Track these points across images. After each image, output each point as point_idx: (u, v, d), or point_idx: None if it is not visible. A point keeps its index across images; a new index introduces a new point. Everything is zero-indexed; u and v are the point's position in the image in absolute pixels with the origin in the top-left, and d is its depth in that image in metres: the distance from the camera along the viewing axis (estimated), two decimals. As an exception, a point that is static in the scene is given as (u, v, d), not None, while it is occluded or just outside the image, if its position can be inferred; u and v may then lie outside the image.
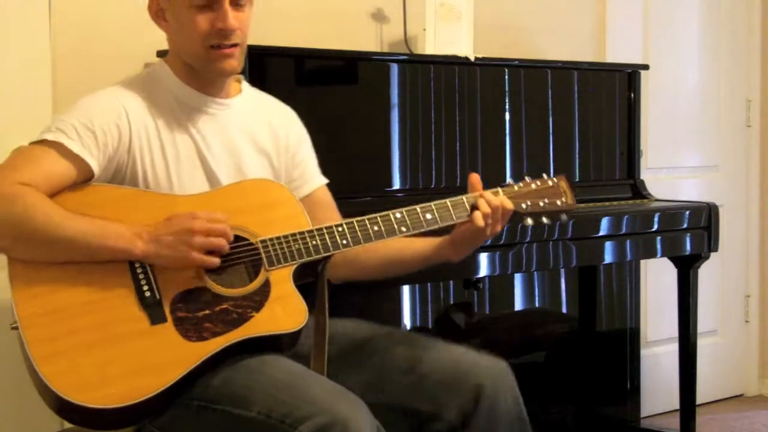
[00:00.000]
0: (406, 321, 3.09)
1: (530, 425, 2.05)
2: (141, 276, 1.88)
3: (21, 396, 2.59)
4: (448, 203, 2.07)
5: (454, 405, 2.00)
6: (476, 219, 2.04)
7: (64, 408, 1.81)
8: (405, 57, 3.08)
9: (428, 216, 2.05)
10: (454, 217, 2.06)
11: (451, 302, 3.21)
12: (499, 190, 2.11)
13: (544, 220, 2.14)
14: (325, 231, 2.00)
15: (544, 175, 2.18)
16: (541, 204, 2.13)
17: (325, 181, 2.26)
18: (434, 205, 2.06)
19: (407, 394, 2.03)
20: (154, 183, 1.99)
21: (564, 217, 2.17)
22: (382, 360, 2.08)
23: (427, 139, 3.01)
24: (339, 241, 2.00)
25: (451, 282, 3.15)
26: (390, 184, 2.94)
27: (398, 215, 2.04)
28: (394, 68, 2.97)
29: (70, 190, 1.92)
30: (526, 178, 2.16)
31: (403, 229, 2.03)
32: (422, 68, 3.03)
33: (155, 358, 1.84)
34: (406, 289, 3.04)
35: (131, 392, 1.81)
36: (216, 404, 1.86)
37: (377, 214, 2.04)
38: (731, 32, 4.22)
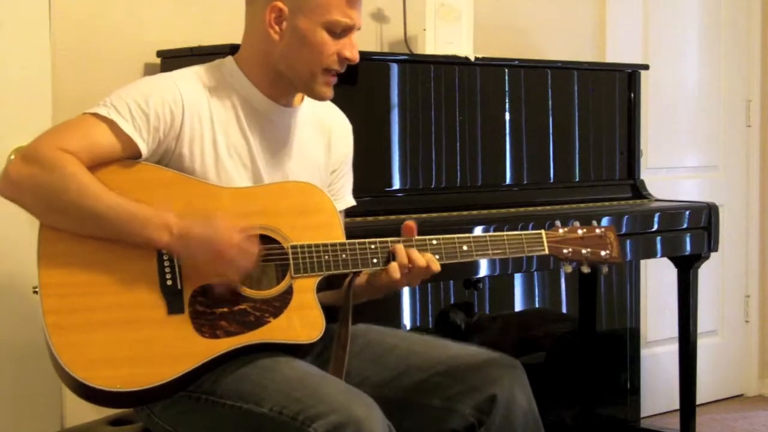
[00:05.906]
0: (406, 321, 3.09)
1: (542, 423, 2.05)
2: (166, 263, 1.87)
3: (21, 396, 2.59)
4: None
5: (470, 402, 2.00)
6: (392, 270, 1.98)
7: (68, 380, 1.83)
8: (405, 57, 3.07)
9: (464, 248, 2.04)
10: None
11: (451, 302, 3.20)
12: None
13: (584, 269, 2.11)
14: (357, 247, 1.98)
15: (594, 222, 2.15)
16: (584, 252, 2.10)
17: (354, 203, 2.23)
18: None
19: (423, 390, 2.03)
20: (199, 173, 1.96)
21: (605, 269, 2.14)
22: (398, 357, 2.08)
23: (427, 139, 3.00)
24: (370, 259, 1.99)
25: (451, 282, 3.15)
26: (390, 184, 2.94)
27: (435, 242, 2.02)
28: (394, 68, 2.97)
29: (118, 165, 1.89)
30: (575, 223, 2.13)
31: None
32: (422, 68, 3.02)
33: (165, 349, 1.85)
34: (406, 289, 3.04)
35: (134, 379, 1.83)
36: (226, 399, 1.87)
37: (414, 237, 2.01)
38: (731, 32, 4.22)
